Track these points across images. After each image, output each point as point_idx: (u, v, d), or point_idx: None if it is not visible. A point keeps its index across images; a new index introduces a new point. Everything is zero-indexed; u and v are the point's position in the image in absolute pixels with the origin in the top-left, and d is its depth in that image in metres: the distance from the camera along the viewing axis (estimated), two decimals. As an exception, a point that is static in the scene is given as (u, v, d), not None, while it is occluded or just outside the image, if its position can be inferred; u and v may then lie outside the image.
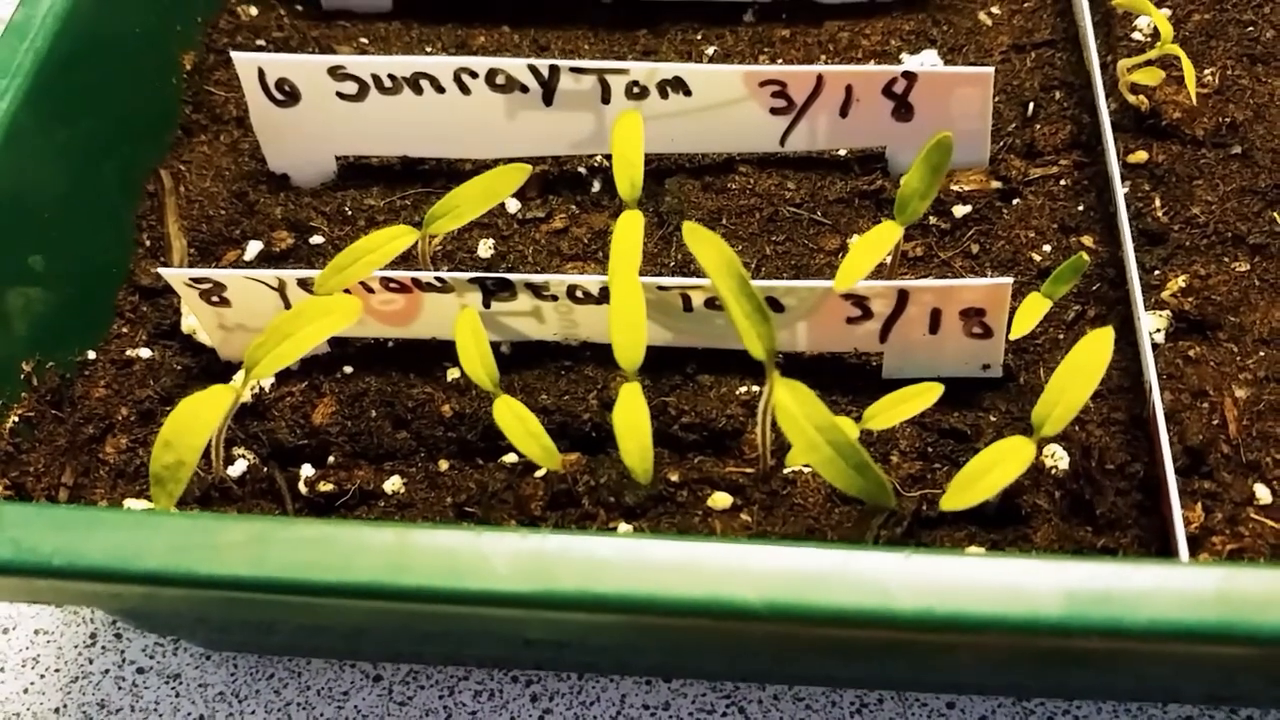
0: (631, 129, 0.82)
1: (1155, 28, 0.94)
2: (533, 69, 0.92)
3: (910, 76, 0.90)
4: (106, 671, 0.95)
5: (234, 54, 0.94)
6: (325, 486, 0.84)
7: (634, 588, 0.61)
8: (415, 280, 0.85)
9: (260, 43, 1.10)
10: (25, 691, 0.94)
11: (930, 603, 0.60)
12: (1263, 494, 0.79)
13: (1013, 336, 0.82)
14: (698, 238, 0.71)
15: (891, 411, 0.77)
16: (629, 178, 0.82)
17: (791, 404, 0.68)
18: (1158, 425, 0.78)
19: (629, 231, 0.78)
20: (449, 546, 0.63)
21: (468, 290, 0.85)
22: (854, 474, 0.67)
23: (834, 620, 0.60)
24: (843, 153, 0.97)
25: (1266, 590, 0.60)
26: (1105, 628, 0.60)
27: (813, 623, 0.61)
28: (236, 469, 0.86)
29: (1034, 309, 0.82)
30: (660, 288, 0.83)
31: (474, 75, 0.93)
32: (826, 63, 1.03)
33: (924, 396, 0.76)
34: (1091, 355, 0.70)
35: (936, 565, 0.61)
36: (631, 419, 0.72)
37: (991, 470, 0.70)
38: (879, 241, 0.79)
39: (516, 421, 0.76)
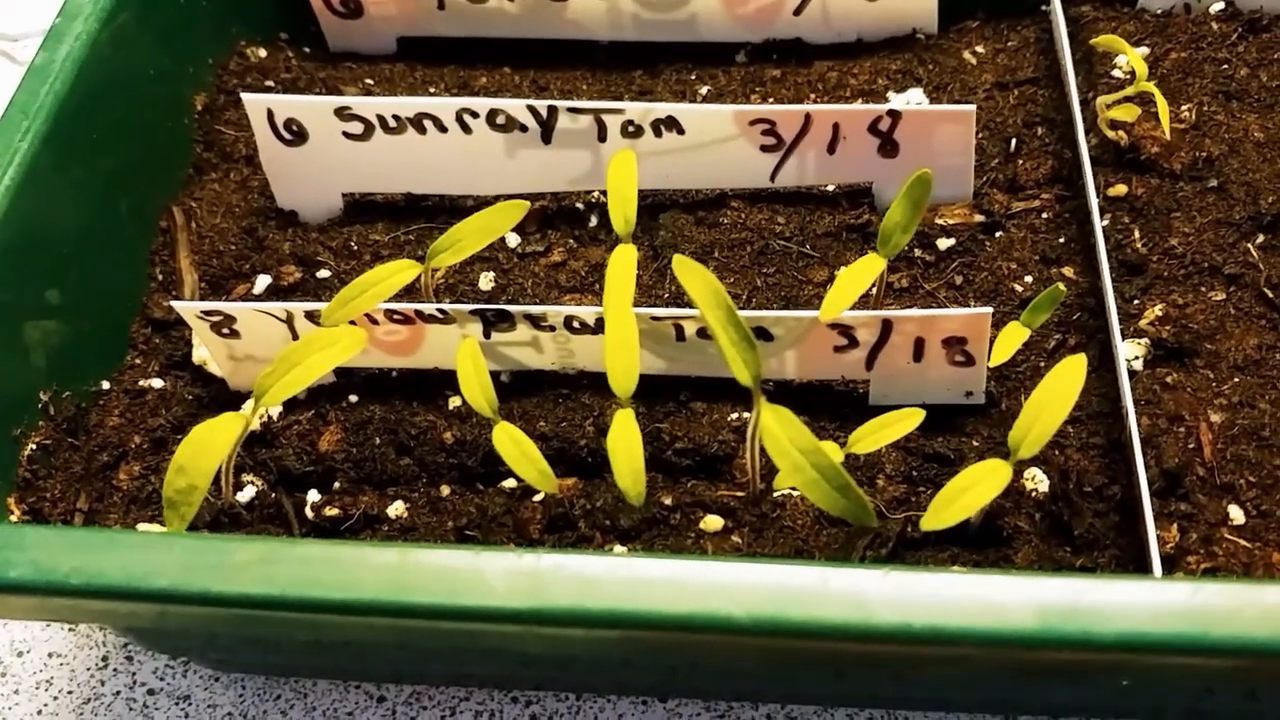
0: (626, 168, 0.86)
1: (1133, 66, 0.98)
2: (532, 109, 0.96)
3: (895, 115, 0.94)
4: (118, 693, 0.97)
5: (244, 95, 0.98)
6: (331, 511, 0.87)
7: (624, 604, 0.64)
8: (418, 312, 0.88)
9: (269, 83, 1.14)
10: (39, 713, 0.97)
11: (908, 616, 0.63)
12: (1236, 515, 0.81)
13: (992, 364, 0.85)
14: (687, 270, 0.74)
15: (875, 436, 0.80)
16: (623, 214, 0.85)
17: (777, 428, 0.71)
18: (1134, 448, 0.81)
19: (623, 265, 0.82)
20: (448, 565, 0.66)
21: (469, 321, 0.88)
22: (837, 495, 0.70)
23: (816, 634, 0.63)
24: (831, 188, 1.00)
25: (1234, 603, 0.63)
26: (1076, 640, 0.62)
27: (796, 636, 0.63)
28: (245, 495, 0.89)
29: (1013, 338, 0.85)
30: (654, 318, 0.86)
31: (475, 115, 0.96)
32: (816, 101, 1.06)
33: (906, 422, 0.79)
34: (1065, 381, 0.73)
35: (914, 581, 0.64)
36: (625, 444, 0.75)
37: (969, 491, 0.73)
38: (863, 273, 0.82)
39: (515, 447, 0.79)
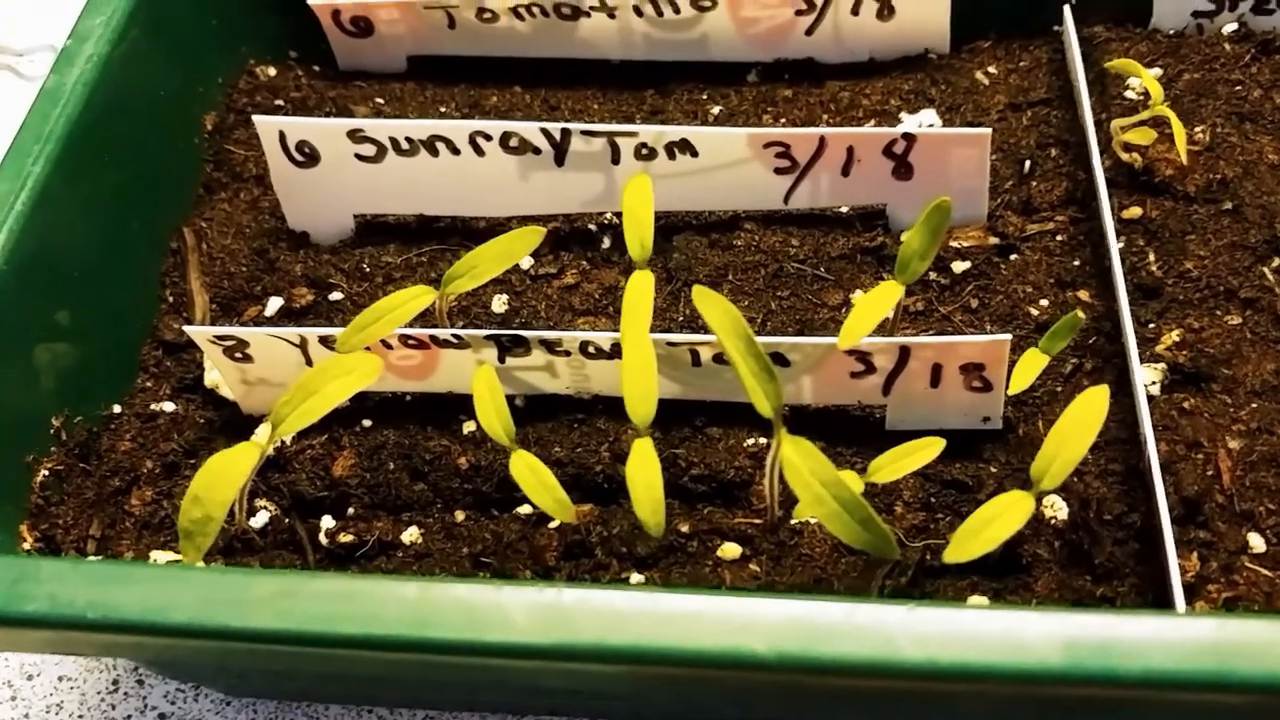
0: (642, 193, 0.85)
1: (1148, 89, 0.97)
2: (545, 132, 0.96)
3: (909, 138, 0.94)
4: (129, 717, 0.97)
5: (256, 118, 0.97)
6: (345, 537, 0.87)
7: (649, 640, 0.64)
8: (433, 337, 0.87)
9: (278, 103, 1.14)
10: (50, 738, 0.97)
11: (934, 653, 0.63)
12: (1256, 543, 0.81)
13: (1011, 392, 0.85)
14: (706, 300, 0.74)
15: (895, 465, 0.79)
16: (639, 239, 0.85)
17: (798, 461, 0.70)
18: (1153, 476, 0.80)
19: (640, 292, 0.81)
20: (469, 600, 0.66)
21: (484, 347, 0.88)
22: (859, 528, 0.69)
23: (841, 670, 0.63)
24: (845, 210, 1.00)
25: (1259, 639, 0.63)
26: (1103, 677, 0.62)
27: (821, 673, 0.63)
28: (259, 520, 0.89)
29: (1031, 365, 0.85)
30: (670, 344, 0.86)
31: (488, 138, 0.96)
32: (828, 121, 1.06)
33: (926, 451, 0.79)
34: (1087, 412, 0.73)
35: (940, 617, 0.64)
36: (644, 474, 0.74)
37: (992, 524, 0.72)
38: (881, 301, 0.82)
39: (532, 476, 0.79)
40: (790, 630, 0.63)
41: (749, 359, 0.73)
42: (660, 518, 0.74)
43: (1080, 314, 0.84)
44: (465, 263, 0.86)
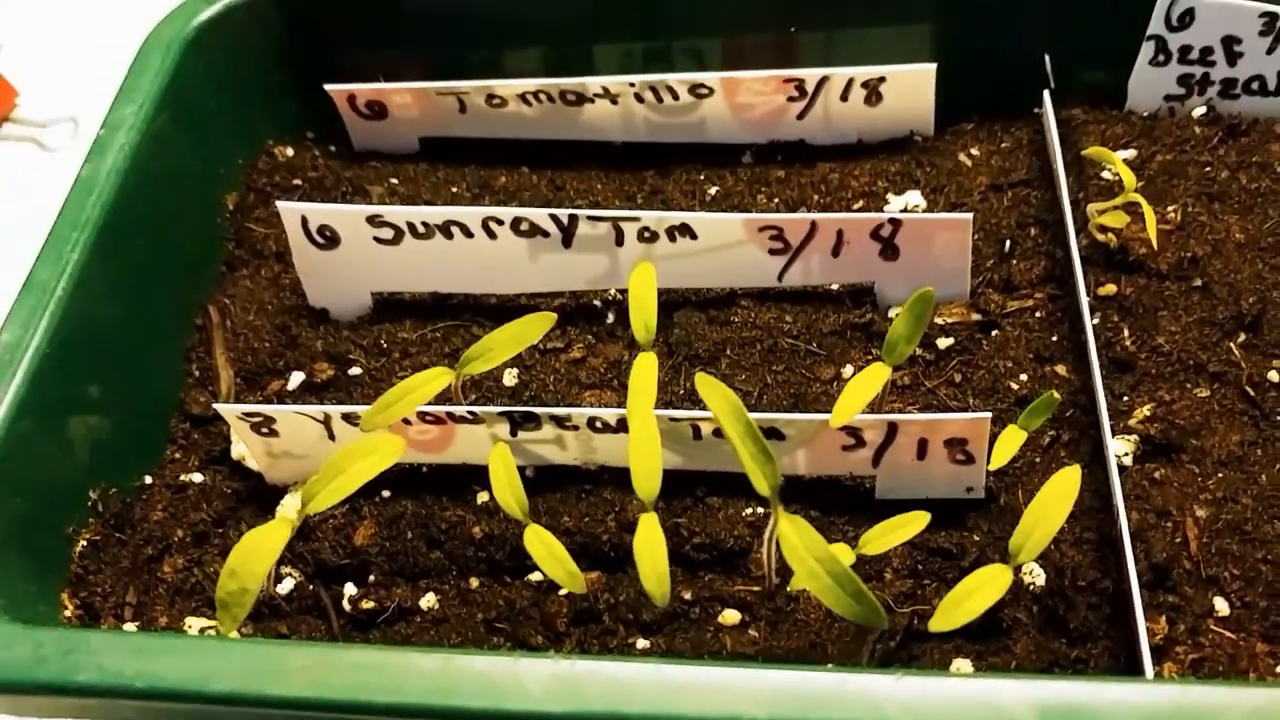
0: (647, 279, 0.91)
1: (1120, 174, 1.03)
2: (554, 217, 1.02)
3: (895, 222, 1.00)
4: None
5: (280, 204, 1.03)
6: (367, 604, 0.92)
7: (656, 708, 0.69)
8: (450, 414, 0.93)
9: (296, 182, 1.19)
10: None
11: (919, 718, 0.68)
12: (1221, 607, 0.86)
13: (991, 468, 0.91)
14: (708, 387, 0.80)
15: (884, 539, 0.85)
16: (644, 322, 0.90)
17: (794, 538, 0.76)
18: (1124, 545, 0.86)
19: (645, 373, 0.87)
20: (488, 671, 0.71)
21: (497, 422, 0.93)
22: (851, 601, 0.75)
23: (834, 736, 0.68)
24: (835, 287, 1.06)
25: (1221, 703, 0.68)
26: (1075, 740, 0.68)
27: (815, 738, 0.68)
28: (285, 587, 0.94)
29: (1011, 441, 0.90)
30: (672, 419, 0.91)
31: (500, 222, 1.02)
32: (819, 202, 1.12)
33: (913, 525, 0.85)
34: (1061, 490, 0.78)
35: (925, 685, 0.69)
36: (649, 548, 0.80)
37: (974, 595, 0.78)
38: (870, 382, 0.88)
39: (544, 549, 0.84)
40: (785, 698, 0.69)
41: (748, 441, 0.79)
42: (665, 589, 0.79)
43: (1056, 395, 0.89)
44: (481, 346, 0.92)
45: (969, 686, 0.69)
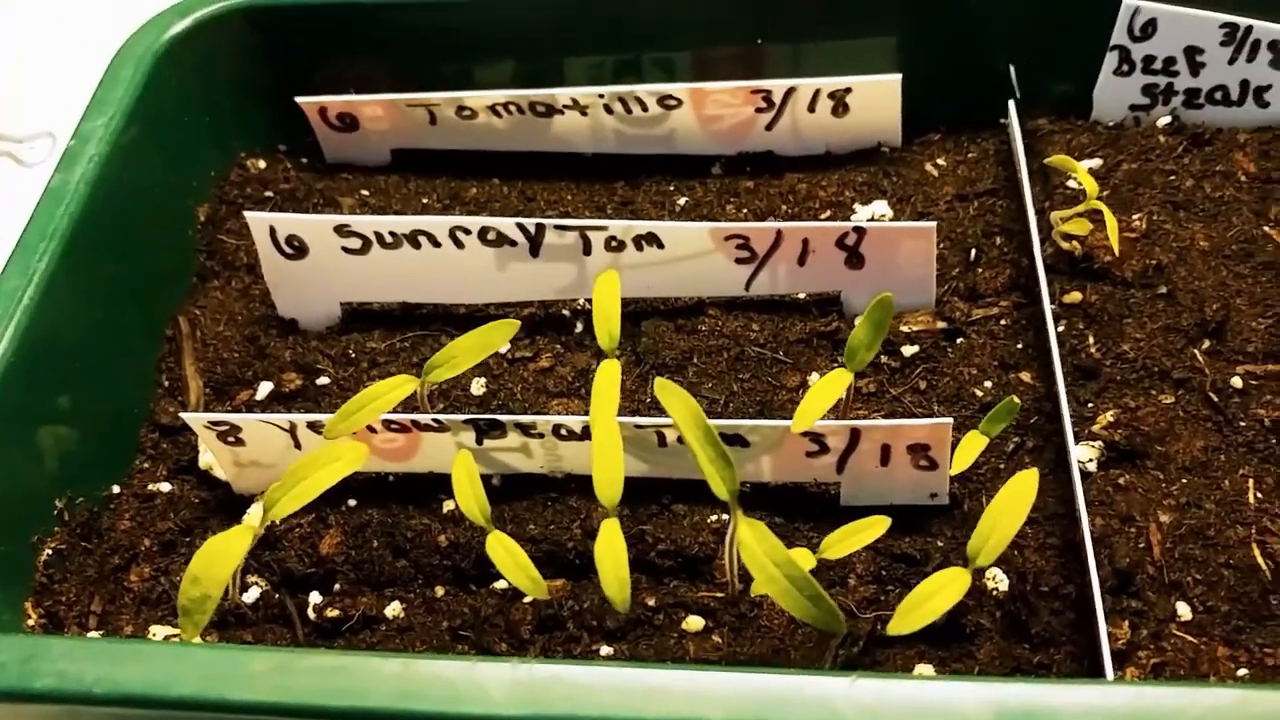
0: (610, 288, 0.92)
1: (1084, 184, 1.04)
2: (521, 226, 1.02)
3: (860, 231, 1.00)
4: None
5: (248, 214, 1.03)
6: (332, 612, 0.92)
7: (614, 711, 0.69)
8: (415, 422, 0.93)
9: (268, 194, 1.20)
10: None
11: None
12: (1184, 611, 0.87)
13: (953, 472, 0.91)
14: (667, 392, 0.80)
15: (845, 543, 0.85)
16: (608, 330, 0.91)
17: (753, 542, 0.76)
18: (1087, 551, 0.86)
19: (608, 380, 0.87)
20: (449, 675, 0.71)
21: (462, 430, 0.94)
22: (809, 604, 0.75)
23: (790, 738, 0.69)
24: (802, 296, 1.06)
25: (1175, 704, 0.68)
26: (1030, 741, 0.68)
27: (772, 740, 0.69)
28: (250, 596, 0.94)
29: (973, 446, 0.91)
30: (637, 426, 0.92)
31: (467, 232, 1.02)
32: (787, 212, 1.13)
33: (873, 529, 0.85)
34: (1018, 494, 0.79)
35: (879, 687, 0.69)
36: (610, 554, 0.80)
37: (932, 598, 0.78)
38: (832, 387, 0.88)
39: (508, 556, 0.85)
40: (743, 701, 0.69)
41: (707, 446, 0.79)
42: (626, 595, 0.80)
43: (1016, 400, 0.90)
44: (445, 353, 0.92)
45: (925, 688, 0.70)
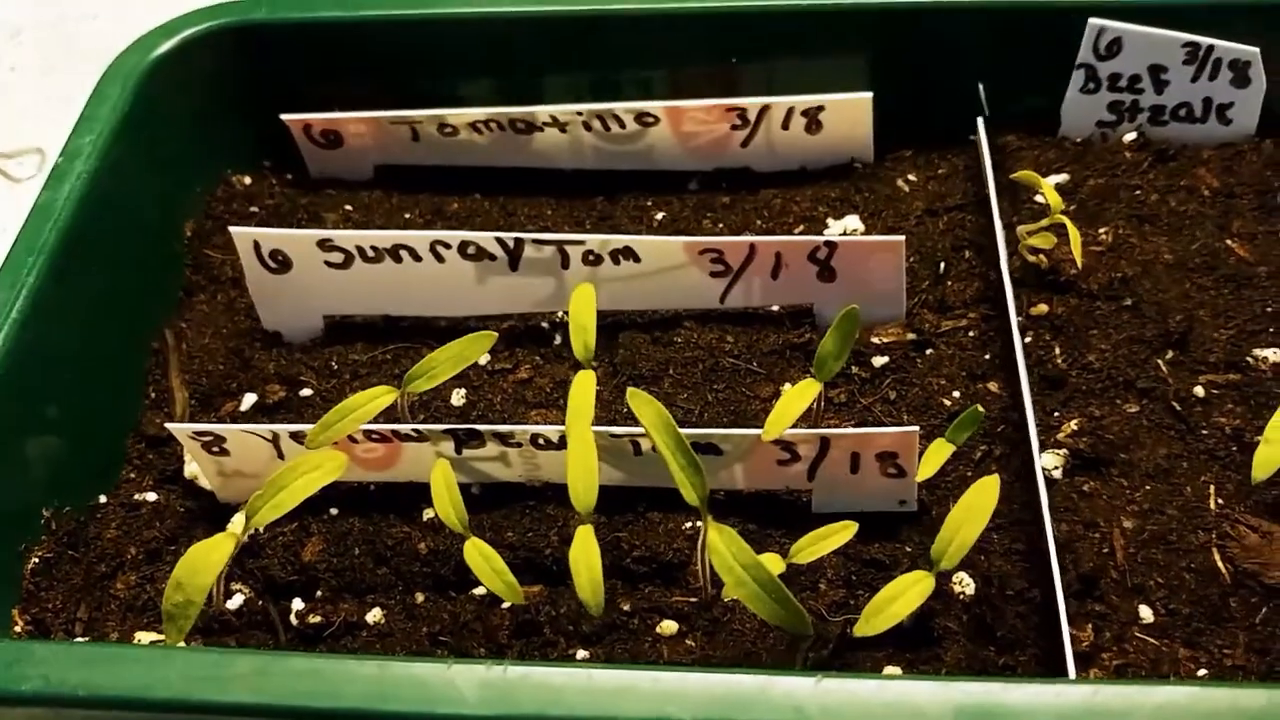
0: (586, 302, 0.94)
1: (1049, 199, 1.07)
2: (500, 241, 1.04)
3: (831, 245, 1.02)
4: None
5: (232, 229, 1.06)
6: (314, 618, 0.94)
7: (584, 711, 0.71)
8: (395, 432, 0.95)
9: (254, 209, 1.22)
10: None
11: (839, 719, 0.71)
12: (1146, 614, 0.89)
13: (919, 479, 0.93)
14: (639, 401, 0.82)
15: (814, 547, 0.87)
16: (583, 341, 0.93)
17: (721, 545, 0.78)
18: (1051, 556, 0.89)
19: (583, 390, 0.89)
20: (423, 676, 0.73)
21: (442, 440, 0.96)
22: (776, 607, 0.77)
23: (756, 736, 0.71)
24: (775, 308, 1.08)
25: (1129, 702, 0.71)
26: (989, 738, 0.70)
27: (738, 738, 0.71)
28: (234, 602, 0.96)
29: (938, 454, 0.93)
30: (613, 435, 0.94)
31: (448, 246, 1.05)
32: (762, 226, 1.15)
33: (841, 534, 0.87)
34: (980, 499, 0.81)
35: (843, 686, 0.71)
36: (585, 559, 0.82)
37: (897, 600, 0.81)
38: (801, 396, 0.91)
39: (484, 562, 0.87)
40: (710, 701, 0.71)
41: (678, 454, 0.81)
42: (600, 599, 0.82)
43: (980, 409, 0.92)
44: (424, 365, 0.95)
45: (887, 688, 0.72)
